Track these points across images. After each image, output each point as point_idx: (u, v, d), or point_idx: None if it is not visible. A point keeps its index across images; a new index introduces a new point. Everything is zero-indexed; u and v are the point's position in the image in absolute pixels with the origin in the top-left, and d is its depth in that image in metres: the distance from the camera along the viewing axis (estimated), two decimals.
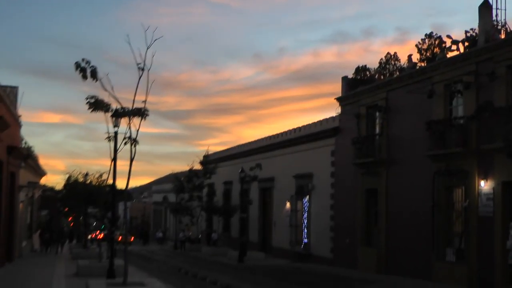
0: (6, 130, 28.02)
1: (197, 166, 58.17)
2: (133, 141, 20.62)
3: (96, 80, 17.73)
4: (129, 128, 18.57)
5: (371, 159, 32.35)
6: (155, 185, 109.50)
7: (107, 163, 48.77)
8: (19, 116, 37.02)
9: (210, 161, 55.58)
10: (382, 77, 33.39)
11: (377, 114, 33.18)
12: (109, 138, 24.01)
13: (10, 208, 33.12)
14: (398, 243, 30.47)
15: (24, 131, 39.44)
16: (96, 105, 21.46)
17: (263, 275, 31.38)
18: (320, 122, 39.15)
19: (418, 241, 28.61)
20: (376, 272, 31.36)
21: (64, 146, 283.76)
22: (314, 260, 38.19)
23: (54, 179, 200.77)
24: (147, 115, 19.90)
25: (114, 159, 22.10)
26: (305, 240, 39.76)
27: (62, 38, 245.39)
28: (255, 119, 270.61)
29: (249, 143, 52.23)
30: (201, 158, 59.51)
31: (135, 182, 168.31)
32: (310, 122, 40.96)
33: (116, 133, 21.90)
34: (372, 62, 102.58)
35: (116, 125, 21.75)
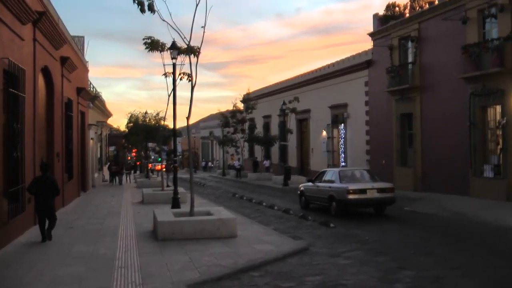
0: (74, 71, 25.47)
1: (239, 104, 55.79)
2: (188, 76, 18.34)
3: (154, 12, 14.68)
4: (189, 57, 15.48)
5: (406, 86, 29.05)
6: (201, 123, 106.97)
7: (161, 107, 46.42)
8: (86, 62, 34.34)
9: (251, 99, 52.56)
10: (413, 10, 29.78)
11: (409, 44, 29.69)
12: (165, 74, 21.70)
13: (82, 144, 30.81)
14: (434, 162, 27.42)
15: (91, 81, 36.94)
16: (152, 45, 19.28)
17: None
18: (353, 56, 35.72)
19: (455, 160, 25.54)
20: (413, 190, 28.46)
21: (125, 95, 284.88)
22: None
23: (119, 121, 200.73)
24: (199, 52, 17.06)
25: (174, 90, 19.21)
26: (343, 163, 36.83)
27: (118, 6, 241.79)
28: (278, 66, 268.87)
29: (286, 80, 48.98)
30: (242, 97, 56.79)
31: (183, 122, 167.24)
32: (340, 58, 37.64)
33: (174, 65, 18.93)
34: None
35: (173, 57, 18.74)
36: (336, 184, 20.24)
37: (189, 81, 18.85)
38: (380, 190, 19.84)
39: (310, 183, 22.96)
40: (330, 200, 20.40)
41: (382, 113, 32.01)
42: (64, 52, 22.78)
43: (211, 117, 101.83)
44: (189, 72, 19.08)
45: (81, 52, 31.42)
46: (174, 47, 18.61)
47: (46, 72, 19.76)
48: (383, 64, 31.46)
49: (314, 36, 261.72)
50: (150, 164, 61.60)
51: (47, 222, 14.03)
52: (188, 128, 15.65)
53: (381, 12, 32.94)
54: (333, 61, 39.39)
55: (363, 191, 19.51)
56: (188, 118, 15.45)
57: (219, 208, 16.83)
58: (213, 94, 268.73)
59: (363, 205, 20.09)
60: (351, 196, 19.26)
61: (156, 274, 10.14)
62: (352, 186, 19.49)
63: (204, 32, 14.80)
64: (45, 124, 20.38)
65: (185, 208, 19.19)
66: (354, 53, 36.07)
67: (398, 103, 30.29)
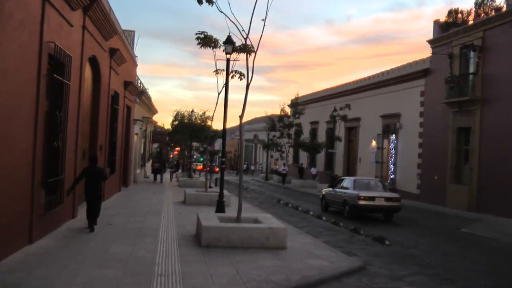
0: (122, 64, 24.74)
1: (286, 109, 54.76)
2: (240, 75, 17.31)
3: (211, 4, 13.67)
4: (246, 50, 14.37)
5: (465, 98, 27.40)
6: (246, 125, 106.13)
7: (206, 107, 45.70)
8: (135, 56, 33.70)
9: (299, 103, 51.35)
10: (478, 17, 28.16)
11: (472, 53, 28.06)
12: (217, 71, 20.76)
13: (126, 138, 30.10)
14: (492, 181, 25.68)
15: (139, 77, 36.30)
16: (205, 40, 18.23)
17: None
18: (410, 64, 34.18)
19: None
20: (467, 210, 26.76)
21: (171, 93, 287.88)
22: (400, 195, 33.65)
23: (163, 119, 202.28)
24: (252, 50, 16.02)
25: (226, 86, 18.10)
26: (392, 176, 35.28)
27: (169, 7, 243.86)
28: (324, 73, 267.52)
29: (336, 87, 47.63)
30: (289, 102, 55.71)
31: (228, 124, 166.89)
32: (395, 66, 36.11)
33: (228, 60, 17.86)
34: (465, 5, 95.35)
35: (228, 52, 17.66)
36: (350, 191, 22.54)
37: (241, 79, 18.14)
38: (388, 199, 22.06)
39: (330, 189, 25.32)
40: (344, 204, 22.70)
41: (438, 125, 30.39)
42: (113, 44, 22.04)
43: (255, 120, 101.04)
44: (241, 71, 18.34)
45: (130, 46, 30.72)
46: (229, 41, 17.55)
47: (94, 62, 18.97)
48: (441, 74, 29.88)
49: (363, 44, 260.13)
50: (192, 164, 61.20)
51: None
52: (240, 127, 14.54)
53: (443, 18, 31.40)
54: (383, 70, 38.07)
55: (372, 198, 21.73)
56: (241, 117, 14.34)
57: (267, 216, 15.63)
58: (258, 98, 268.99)
59: (371, 210, 22.11)
60: (361, 202, 21.59)
61: (200, 287, 9.05)
62: (363, 193, 21.82)
63: (264, 25, 13.65)
64: (90, 115, 19.61)
65: (229, 212, 18.12)
66: (407, 62, 34.58)
67: (456, 115, 28.64)
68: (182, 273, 9.83)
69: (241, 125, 14.55)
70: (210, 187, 28.18)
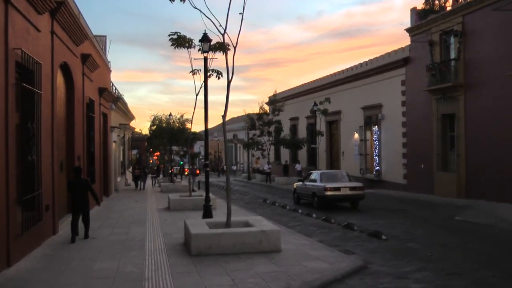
0: (96, 70, 23.92)
1: (265, 107, 54.06)
2: (218, 73, 16.82)
3: (184, 0, 13.01)
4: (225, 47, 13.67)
5: (448, 84, 26.95)
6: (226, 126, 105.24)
7: (183, 110, 45.02)
8: (109, 62, 32.80)
9: (277, 100, 50.72)
10: (456, 2, 27.68)
11: (452, 39, 27.62)
12: (193, 72, 20.12)
13: (104, 146, 29.23)
14: (480, 167, 25.25)
15: (113, 84, 35.38)
16: (179, 41, 17.47)
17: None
18: (389, 54, 33.68)
19: (505, 164, 23.42)
20: (456, 197, 26.29)
21: (146, 99, 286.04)
22: (386, 186, 33.33)
23: (141, 125, 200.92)
24: (228, 49, 15.43)
25: (205, 86, 17.35)
26: (377, 167, 34.80)
27: (139, 11, 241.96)
28: (299, 70, 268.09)
29: (315, 81, 46.98)
30: (267, 100, 55.04)
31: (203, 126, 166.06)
32: (373, 57, 35.65)
33: (205, 59, 17.12)
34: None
35: (205, 50, 16.91)
36: (318, 183, 24.18)
37: (219, 78, 17.51)
38: (352, 188, 23.76)
39: (300, 183, 27.12)
40: (313, 196, 24.31)
41: (421, 113, 29.95)
42: (85, 49, 21.25)
43: (233, 120, 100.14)
44: (218, 70, 17.66)
45: (103, 51, 29.82)
46: (205, 39, 16.83)
47: (65, 69, 18.17)
48: (422, 62, 29.42)
49: (336, 39, 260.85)
50: (172, 169, 60.33)
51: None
52: (224, 127, 13.84)
53: (420, 6, 30.96)
54: (359, 62, 37.58)
55: (337, 189, 23.43)
56: (224, 116, 13.67)
57: (258, 218, 14.94)
58: (235, 98, 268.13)
59: (338, 200, 23.74)
60: (328, 193, 23.25)
61: None
62: (329, 185, 23.50)
63: (242, 19, 13.00)
64: (65, 125, 18.81)
65: (217, 217, 17.46)
66: (385, 52, 34.10)
67: (439, 103, 28.21)
68: (174, 287, 9.13)
69: (224, 125, 13.87)
70: (193, 190, 27.47)
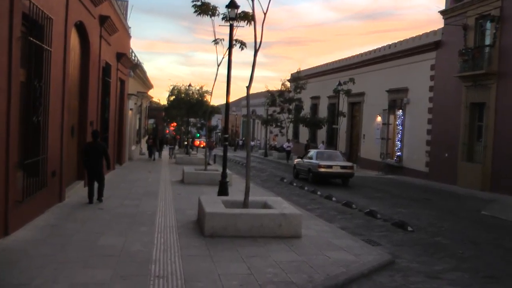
0: (114, 34, 22.84)
1: (287, 84, 52.69)
2: (241, 44, 16.16)
3: None
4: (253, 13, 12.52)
5: (481, 71, 25.57)
6: (243, 101, 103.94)
7: (202, 83, 43.83)
8: (129, 28, 31.68)
9: (300, 78, 49.35)
10: None
11: (488, 24, 26.14)
12: (216, 41, 19.05)
13: (120, 114, 28.26)
14: (507, 159, 23.97)
15: (133, 50, 34.33)
16: (202, 8, 16.58)
17: (370, 187, 25.59)
18: (419, 37, 32.22)
19: None
20: (480, 189, 25.10)
21: (166, 70, 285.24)
22: (407, 173, 32.13)
23: (159, 95, 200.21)
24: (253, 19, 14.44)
25: (229, 54, 16.15)
26: (399, 153, 33.58)
27: None
28: (321, 50, 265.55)
29: (339, 61, 45.59)
30: (288, 77, 53.67)
31: (222, 100, 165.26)
32: (406, 38, 34.21)
33: (231, 26, 15.95)
34: None
35: (232, 17, 15.75)
36: (313, 161, 26.41)
37: (242, 49, 16.49)
38: (343, 167, 26.03)
39: (300, 159, 29.46)
40: (308, 172, 26.65)
41: (449, 100, 28.61)
42: (104, 11, 20.16)
43: (253, 96, 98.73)
44: (242, 40, 16.53)
45: (123, 16, 28.67)
46: (232, 5, 15.65)
47: (81, 29, 17.09)
48: (454, 46, 27.99)
49: (360, 21, 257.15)
50: (196, 141, 59.45)
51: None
52: (248, 98, 12.72)
53: None
54: (381, 45, 36.12)
55: (329, 166, 25.65)
56: (248, 87, 12.57)
57: (278, 199, 13.85)
58: (255, 73, 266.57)
59: (329, 176, 26.04)
60: (321, 170, 25.47)
61: None
62: (322, 163, 25.71)
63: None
64: (79, 88, 17.80)
65: (232, 193, 16.50)
66: (416, 35, 32.65)
67: (470, 90, 26.84)
68: (184, 273, 8.14)
69: (248, 97, 12.77)
70: (208, 164, 26.51)
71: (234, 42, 16.45)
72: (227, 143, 17.15)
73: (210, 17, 17.96)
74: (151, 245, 9.84)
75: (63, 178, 14.64)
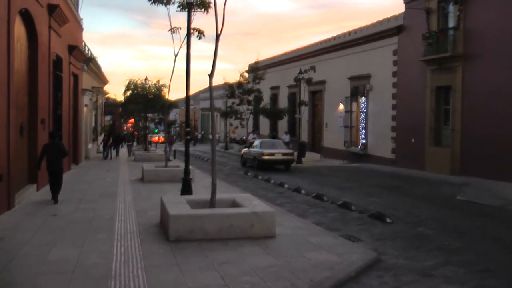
0: (65, 24, 21.42)
1: (245, 75, 51.52)
2: (199, 33, 15.27)
3: None
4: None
5: (446, 54, 24.95)
6: (201, 94, 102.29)
7: (159, 77, 42.22)
8: (81, 19, 30.07)
9: (258, 68, 48.26)
10: None
11: (451, 7, 25.52)
12: (172, 30, 18.20)
13: (74, 110, 26.77)
14: (477, 143, 23.43)
15: (86, 43, 32.66)
16: None
17: (338, 176, 24.80)
18: (380, 22, 31.50)
19: (505, 141, 21.68)
20: (449, 173, 24.53)
21: (121, 65, 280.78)
22: (372, 160, 31.48)
23: (115, 91, 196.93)
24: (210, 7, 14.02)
25: (188, 42, 14.97)
26: (363, 140, 32.90)
27: None
28: (277, 40, 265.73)
29: (298, 49, 44.61)
30: (246, 68, 52.48)
31: (181, 94, 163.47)
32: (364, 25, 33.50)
33: (189, 11, 14.76)
34: None
35: (188, 2, 14.59)
36: (258, 149, 28.74)
37: (200, 38, 15.55)
38: (284, 154, 28.40)
39: (246, 149, 31.90)
40: (254, 159, 28.90)
41: (414, 85, 27.97)
42: None
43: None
44: (199, 29, 15.46)
45: (74, 6, 27.10)
46: None
47: (27, 17, 15.70)
48: (417, 30, 27.32)
49: (315, 10, 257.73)
50: (155, 137, 58.04)
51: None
52: (210, 86, 11.62)
53: None
54: (340, 33, 35.33)
55: (272, 154, 27.98)
56: (211, 75, 11.51)
57: (246, 196, 12.78)
58: (209, 67, 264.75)
59: (273, 163, 28.26)
60: (264, 157, 27.77)
61: None
62: (266, 151, 28.03)
63: None
64: (27, 82, 16.40)
65: (197, 192, 15.44)
66: (376, 20, 31.96)
67: (435, 74, 26.23)
68: None
69: (211, 86, 11.69)
70: (169, 160, 25.31)
71: (192, 31, 15.36)
72: (189, 137, 15.97)
73: (165, 5, 17.00)
74: (110, 256, 8.69)
75: (11, 183, 13.32)
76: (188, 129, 15.84)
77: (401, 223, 12.94)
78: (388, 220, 13.10)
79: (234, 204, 11.58)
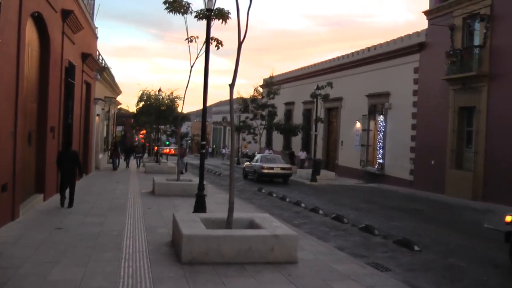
0: (79, 32, 20.77)
1: (259, 90, 50.84)
2: (218, 43, 13.99)
3: None
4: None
5: (471, 73, 24.07)
6: (213, 108, 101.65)
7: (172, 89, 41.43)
8: (96, 28, 29.50)
9: (274, 83, 47.58)
10: None
11: (477, 24, 24.70)
12: (189, 39, 17.35)
13: (86, 119, 26.09)
14: (501, 167, 22.47)
15: (100, 53, 32.05)
16: (174, 5, 15.09)
17: (354, 197, 23.89)
18: (401, 38, 30.71)
19: None
20: (471, 198, 23.51)
21: (135, 77, 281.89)
22: (389, 181, 30.54)
23: (127, 102, 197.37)
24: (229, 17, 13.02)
25: (207, 50, 14.18)
26: (380, 160, 31.99)
27: None
28: (289, 57, 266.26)
29: (315, 65, 43.88)
30: (261, 83, 51.83)
31: (193, 107, 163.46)
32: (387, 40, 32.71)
33: (208, 16, 13.98)
34: None
35: (209, 8, 13.82)
36: (258, 163, 30.66)
37: (218, 48, 14.79)
38: (282, 168, 30.61)
39: (248, 163, 33.90)
40: (254, 172, 31.04)
41: (435, 105, 27.10)
42: (66, 5, 18.16)
43: (223, 103, 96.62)
44: (217, 38, 14.72)
45: (89, 14, 26.51)
46: None
47: (39, 22, 15.01)
48: (440, 48, 26.52)
49: (328, 27, 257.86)
50: (166, 149, 57.49)
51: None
52: (231, 98, 10.76)
53: None
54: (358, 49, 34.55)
55: (271, 168, 29.94)
56: (232, 85, 10.66)
57: (265, 216, 11.88)
58: (224, 81, 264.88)
59: (272, 176, 30.23)
60: (264, 171, 29.73)
61: None
62: (265, 165, 29.99)
63: None
64: (37, 89, 15.69)
65: (209, 207, 14.61)
66: (398, 36, 31.14)
67: (458, 94, 25.34)
68: None
69: (231, 96, 10.79)
70: (181, 173, 24.52)
71: (210, 41, 14.61)
72: (204, 150, 15.12)
73: (182, 14, 16.28)
74: (116, 279, 7.83)
75: (16, 193, 12.55)
76: (204, 142, 14.98)
77: (430, 252, 12.00)
78: (416, 248, 12.16)
79: (252, 224, 10.72)
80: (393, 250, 11.99)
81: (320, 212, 17.84)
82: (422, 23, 26.80)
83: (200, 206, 13.86)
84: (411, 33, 29.85)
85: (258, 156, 32.35)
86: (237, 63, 10.73)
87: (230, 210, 10.23)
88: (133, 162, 39.55)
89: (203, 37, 16.31)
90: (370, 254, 11.40)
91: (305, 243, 11.42)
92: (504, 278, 9.97)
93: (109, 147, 36.50)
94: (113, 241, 10.54)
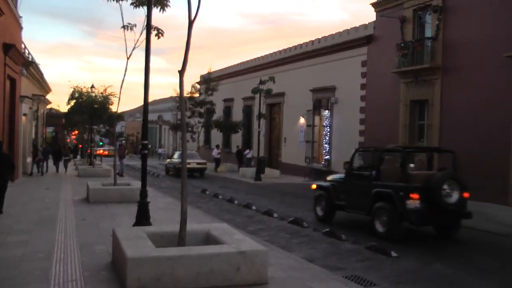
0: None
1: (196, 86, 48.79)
2: (158, 32, 12.90)
3: None
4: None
5: (424, 66, 22.97)
6: (149, 106, 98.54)
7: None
8: (20, 17, 26.75)
9: (211, 79, 45.66)
10: None
11: (428, 16, 23.64)
12: (125, 27, 15.27)
13: (10, 119, 23.51)
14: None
15: (26, 45, 29.34)
16: None
17: (304, 196, 22.41)
18: (348, 31, 29.45)
19: (488, 160, 19.80)
20: None
21: (66, 76, 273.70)
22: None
23: (58, 102, 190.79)
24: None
25: (147, 39, 12.12)
26: (327, 156, 30.68)
27: None
28: (224, 55, 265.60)
29: (255, 59, 42.16)
30: (198, 80, 49.77)
31: (126, 107, 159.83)
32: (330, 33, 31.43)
33: (150, 2, 12.01)
34: None
35: None
36: (176, 160, 34.29)
37: (159, 38, 13.17)
38: (198, 163, 34.29)
39: (169, 159, 38.35)
40: (174, 168, 34.83)
41: (385, 99, 25.91)
42: None
43: (158, 101, 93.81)
44: (157, 27, 12.88)
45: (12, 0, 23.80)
46: None
47: None
48: (389, 41, 25.35)
49: (263, 25, 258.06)
50: (99, 150, 54.86)
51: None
52: (181, 87, 8.92)
53: None
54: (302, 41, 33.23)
55: (188, 163, 27.37)
56: (181, 71, 8.82)
57: (223, 226, 10.00)
58: (159, 80, 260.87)
59: (189, 170, 30.56)
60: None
61: None
62: None
63: None
64: None
65: (153, 215, 12.60)
66: (344, 29, 29.92)
67: (410, 87, 24.21)
68: None
69: (181, 84, 8.92)
70: (120, 175, 22.36)
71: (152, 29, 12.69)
72: (146, 151, 13.09)
73: (117, 1, 14.39)
74: None
75: None
76: (146, 142, 12.96)
77: (410, 257, 10.56)
78: (393, 254, 10.67)
79: (209, 238, 8.87)
80: (369, 258, 10.45)
81: (275, 215, 16.19)
82: (358, 21, 25.75)
83: (143, 217, 11.82)
84: (358, 25, 28.60)
85: (176, 154, 36.58)
86: (187, 46, 8.84)
87: (183, 222, 8.34)
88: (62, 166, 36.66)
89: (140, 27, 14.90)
90: (346, 265, 9.80)
91: (273, 257, 9.63)
92: (489, 280, 8.58)
93: (32, 150, 33.25)
94: (39, 267, 8.41)
